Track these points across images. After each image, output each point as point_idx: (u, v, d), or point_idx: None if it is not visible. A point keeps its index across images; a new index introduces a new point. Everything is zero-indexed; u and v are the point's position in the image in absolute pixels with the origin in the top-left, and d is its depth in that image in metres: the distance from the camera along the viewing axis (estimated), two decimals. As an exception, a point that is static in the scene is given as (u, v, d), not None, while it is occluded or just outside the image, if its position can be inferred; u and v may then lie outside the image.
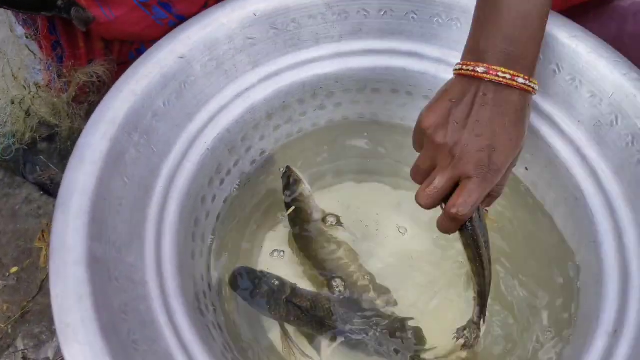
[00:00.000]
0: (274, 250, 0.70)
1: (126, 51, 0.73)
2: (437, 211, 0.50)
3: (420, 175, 0.51)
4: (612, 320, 0.50)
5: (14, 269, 0.91)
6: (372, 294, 0.65)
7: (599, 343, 0.49)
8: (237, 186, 0.69)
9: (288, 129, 0.73)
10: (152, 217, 0.54)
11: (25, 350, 0.88)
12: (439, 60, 0.66)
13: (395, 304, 0.65)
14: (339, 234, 0.71)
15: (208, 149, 0.62)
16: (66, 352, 0.40)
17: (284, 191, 0.70)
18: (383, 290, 0.66)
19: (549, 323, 0.59)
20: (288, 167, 0.71)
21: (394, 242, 0.70)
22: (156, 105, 0.56)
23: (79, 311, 0.42)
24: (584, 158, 0.58)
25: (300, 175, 0.70)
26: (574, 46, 0.57)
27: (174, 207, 0.57)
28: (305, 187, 0.70)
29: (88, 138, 0.51)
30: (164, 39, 0.58)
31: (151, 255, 0.52)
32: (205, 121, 0.62)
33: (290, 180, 0.70)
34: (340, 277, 0.66)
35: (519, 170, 0.68)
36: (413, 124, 0.74)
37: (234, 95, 0.65)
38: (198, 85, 0.61)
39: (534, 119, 0.62)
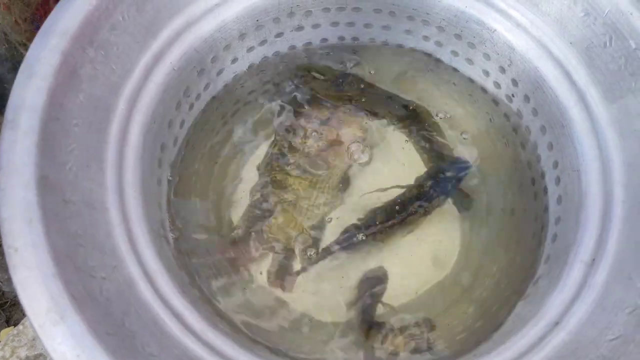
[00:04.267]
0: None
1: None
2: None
3: None
4: (590, 249, 0.48)
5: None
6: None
7: (575, 272, 0.47)
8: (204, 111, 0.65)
9: (263, 51, 0.69)
10: (113, 139, 0.51)
11: (0, 283, 0.86)
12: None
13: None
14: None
15: (174, 69, 0.58)
16: (15, 277, 0.37)
17: None
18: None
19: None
20: None
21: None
22: (114, 18, 0.51)
23: (29, 235, 0.39)
24: (573, 83, 0.55)
25: None
26: (569, -41, 0.53)
27: (137, 130, 0.53)
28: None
29: (37, 51, 0.46)
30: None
31: (112, 180, 0.49)
32: (171, 38, 0.57)
33: None
34: None
35: (502, 99, 0.65)
36: (395, 48, 0.70)
37: (203, 11, 0.60)
38: (161, -3, 0.55)
39: (522, 41, 0.58)
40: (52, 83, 0.45)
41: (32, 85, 0.44)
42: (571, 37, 0.55)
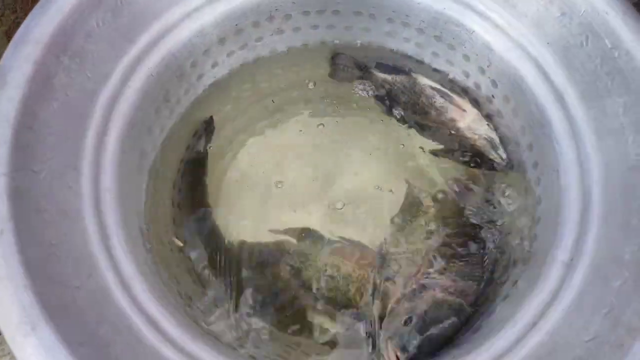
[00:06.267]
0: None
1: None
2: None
3: None
4: (569, 249, 0.48)
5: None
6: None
7: (553, 273, 0.47)
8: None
9: (243, 55, 0.68)
10: (90, 147, 0.50)
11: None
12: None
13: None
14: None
15: (153, 74, 0.57)
16: (-15, 289, 0.37)
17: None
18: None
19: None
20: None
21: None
22: (89, 25, 0.51)
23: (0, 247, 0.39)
24: (551, 83, 0.55)
25: None
26: (544, -40, 0.53)
27: (115, 137, 0.53)
28: None
29: (9, 60, 0.46)
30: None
31: (88, 188, 0.49)
32: (148, 44, 0.57)
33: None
34: None
35: (482, 100, 0.65)
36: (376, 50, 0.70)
37: (181, 16, 0.59)
38: (138, 3, 0.55)
39: (501, 42, 0.58)
40: (24, 92, 0.45)
41: (4, 95, 0.44)
42: (548, 38, 0.55)
